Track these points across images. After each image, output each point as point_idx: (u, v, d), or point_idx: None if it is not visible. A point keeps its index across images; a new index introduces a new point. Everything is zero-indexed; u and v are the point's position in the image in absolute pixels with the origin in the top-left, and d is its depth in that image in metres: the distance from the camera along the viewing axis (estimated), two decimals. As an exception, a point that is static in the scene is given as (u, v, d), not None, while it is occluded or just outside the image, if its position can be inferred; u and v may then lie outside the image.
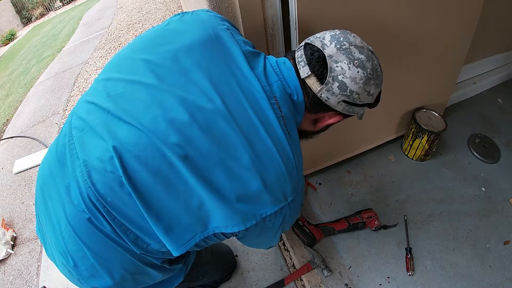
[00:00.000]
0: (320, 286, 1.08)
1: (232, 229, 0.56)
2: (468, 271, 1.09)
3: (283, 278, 1.12)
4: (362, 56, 0.60)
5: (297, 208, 0.63)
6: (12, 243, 1.63)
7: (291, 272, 1.15)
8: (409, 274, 1.08)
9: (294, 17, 0.85)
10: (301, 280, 1.11)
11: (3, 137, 2.68)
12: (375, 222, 1.18)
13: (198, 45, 0.61)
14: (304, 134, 0.76)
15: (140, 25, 3.91)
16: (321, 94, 0.62)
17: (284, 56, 0.68)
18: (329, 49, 0.60)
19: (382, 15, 0.98)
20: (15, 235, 1.67)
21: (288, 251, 1.20)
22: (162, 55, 0.60)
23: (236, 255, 1.23)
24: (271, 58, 0.66)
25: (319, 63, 0.61)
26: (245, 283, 1.16)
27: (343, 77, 0.60)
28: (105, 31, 4.35)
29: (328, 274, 1.09)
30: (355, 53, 0.60)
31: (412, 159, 1.45)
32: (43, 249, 1.53)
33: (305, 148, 1.24)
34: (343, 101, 0.62)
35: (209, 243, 0.64)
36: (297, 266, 1.14)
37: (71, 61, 3.83)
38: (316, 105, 0.64)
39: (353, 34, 0.64)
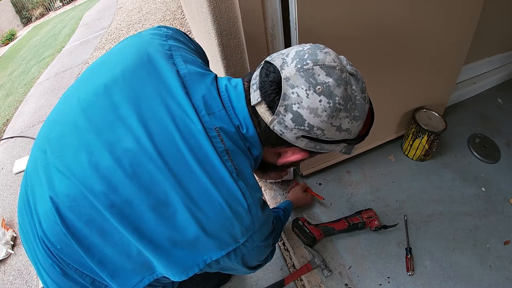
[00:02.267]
0: (320, 286, 1.08)
1: (174, 278, 0.52)
2: (468, 271, 1.09)
3: (283, 278, 1.12)
4: (330, 80, 0.47)
5: (259, 246, 0.56)
6: (12, 243, 1.63)
7: (291, 272, 1.15)
8: (409, 274, 1.08)
9: (294, 17, 0.85)
10: (301, 280, 1.11)
11: (3, 137, 2.68)
12: (375, 222, 1.18)
13: (130, 74, 0.54)
14: (270, 167, 0.64)
15: (140, 25, 3.91)
16: (273, 127, 0.51)
17: (242, 77, 0.58)
18: (288, 70, 0.49)
19: (382, 15, 0.98)
20: (15, 235, 1.67)
21: (288, 251, 1.20)
22: (95, 90, 0.55)
23: (236, 255, 1.24)
24: (222, 81, 0.57)
25: (272, 87, 0.50)
26: (245, 283, 1.16)
27: (298, 107, 0.48)
28: (105, 31, 4.35)
29: (328, 274, 1.09)
30: (319, 75, 0.47)
31: (412, 159, 1.45)
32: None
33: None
34: (303, 136, 0.51)
35: (165, 282, 0.59)
36: (297, 266, 1.14)
37: (71, 61, 3.83)
38: (270, 139, 0.54)
39: (325, 50, 0.51)
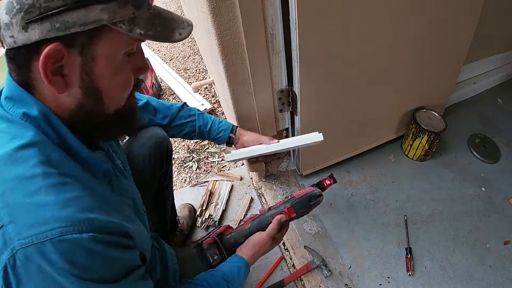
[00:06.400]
0: (320, 286, 1.08)
1: None
2: (468, 271, 1.09)
3: (283, 278, 1.12)
4: None
5: None
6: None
7: (291, 272, 1.15)
8: (409, 274, 1.08)
9: (294, 17, 0.85)
10: (301, 280, 1.11)
11: (3, 137, 2.67)
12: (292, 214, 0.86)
13: None
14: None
15: (140, 25, 3.91)
16: (8, 44, 0.46)
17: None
18: None
19: (382, 14, 0.98)
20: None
21: (288, 251, 1.20)
22: None
23: (236, 255, 1.23)
24: None
25: None
26: (245, 283, 1.16)
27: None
28: (105, 31, 4.35)
29: (328, 274, 1.09)
30: None
31: (412, 159, 1.45)
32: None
33: (306, 147, 1.24)
34: (29, 22, 0.43)
35: None
36: (297, 266, 1.14)
37: (71, 61, 3.83)
38: (19, 60, 0.47)
39: None
